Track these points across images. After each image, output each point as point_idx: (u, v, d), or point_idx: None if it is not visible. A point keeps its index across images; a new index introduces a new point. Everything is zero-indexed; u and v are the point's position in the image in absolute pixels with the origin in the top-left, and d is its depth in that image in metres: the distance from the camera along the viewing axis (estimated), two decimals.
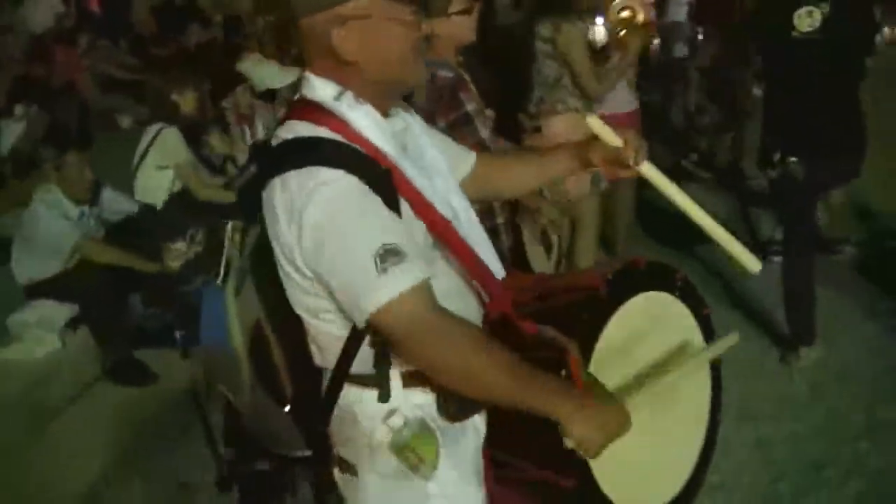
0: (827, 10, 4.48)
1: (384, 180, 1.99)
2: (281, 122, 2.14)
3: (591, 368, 2.18)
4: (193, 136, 6.16)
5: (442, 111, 3.90)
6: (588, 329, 2.22)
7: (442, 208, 2.13)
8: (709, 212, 2.31)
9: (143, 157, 6.08)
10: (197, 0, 12.28)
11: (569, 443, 2.00)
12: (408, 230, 2.02)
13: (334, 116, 2.05)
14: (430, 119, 3.83)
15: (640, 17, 5.41)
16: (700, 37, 8.79)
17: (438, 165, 2.28)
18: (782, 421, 4.61)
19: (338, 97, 2.07)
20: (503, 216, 4.09)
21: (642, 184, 2.64)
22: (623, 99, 6.01)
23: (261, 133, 6.63)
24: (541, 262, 5.19)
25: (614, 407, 2.07)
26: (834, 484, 4.17)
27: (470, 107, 3.95)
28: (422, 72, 2.17)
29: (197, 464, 4.37)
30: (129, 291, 5.75)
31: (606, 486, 2.24)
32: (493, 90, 5.11)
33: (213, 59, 8.26)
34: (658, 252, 6.73)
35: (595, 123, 2.35)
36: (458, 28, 4.04)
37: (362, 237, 1.94)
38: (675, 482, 2.53)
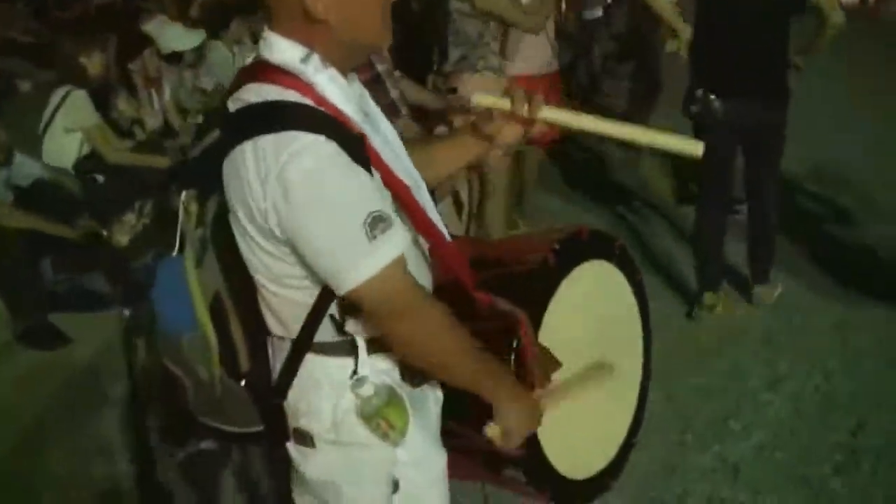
0: None
1: (359, 147, 1.93)
2: (237, 86, 2.02)
3: (541, 336, 2.25)
4: (101, 99, 6.07)
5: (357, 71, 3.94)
6: (539, 298, 2.29)
7: (403, 175, 2.09)
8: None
9: (50, 120, 5.96)
10: None
11: (488, 430, 2.09)
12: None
13: (300, 80, 1.96)
14: None
15: None
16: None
17: (392, 132, 2.24)
18: (690, 375, 4.79)
19: (304, 59, 1.97)
20: None
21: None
22: (543, 60, 6.00)
23: (168, 96, 6.58)
24: (453, 222, 5.27)
25: (534, 403, 2.16)
26: (738, 434, 4.35)
27: (381, 67, 4.01)
28: (388, 35, 2.09)
29: (115, 428, 4.37)
30: (41, 256, 5.66)
31: (552, 454, 2.34)
32: (405, 51, 5.13)
33: (115, 20, 8.10)
34: (567, 208, 6.87)
35: (480, 99, 2.33)
36: None
37: (350, 204, 1.89)
38: (612, 445, 2.66)
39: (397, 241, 1.92)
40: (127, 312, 5.22)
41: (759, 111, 4.94)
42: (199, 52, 6.98)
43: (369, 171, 1.94)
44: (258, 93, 1.96)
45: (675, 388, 4.65)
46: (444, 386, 2.29)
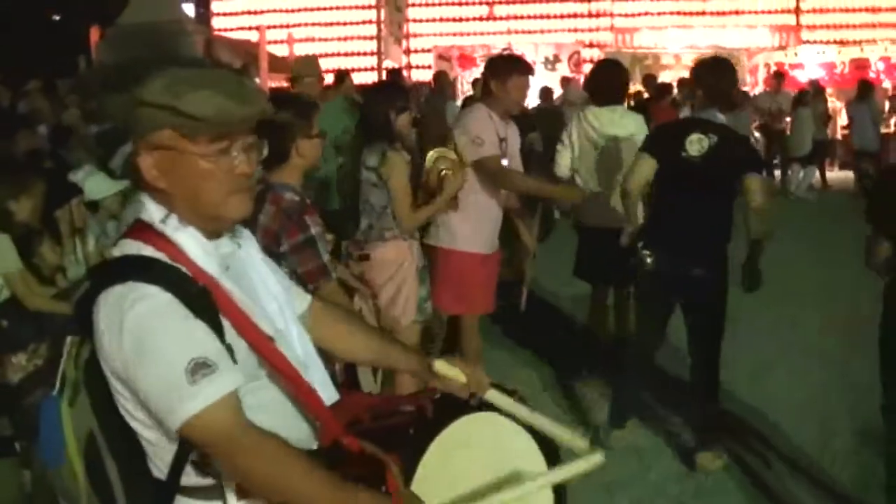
0: (714, 141, 5.20)
1: (202, 298, 2.08)
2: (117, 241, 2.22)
3: (415, 486, 2.31)
4: (25, 244, 6.04)
5: (288, 232, 4.03)
6: (412, 447, 2.37)
7: (265, 325, 2.22)
8: None
9: None
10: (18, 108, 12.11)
11: None
12: (230, 346, 2.10)
13: (161, 237, 2.14)
14: (275, 240, 3.97)
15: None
16: None
17: (270, 287, 2.36)
18: None
19: (164, 220, 2.15)
20: None
21: None
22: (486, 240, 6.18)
23: (91, 245, 6.56)
24: (368, 381, 5.31)
25: None
26: None
27: (315, 230, 4.08)
28: (240, 209, 2.21)
29: None
30: None
31: None
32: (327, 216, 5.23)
33: (41, 167, 8.10)
34: None
35: (440, 367, 2.54)
36: (315, 150, 4.24)
37: (174, 350, 2.01)
38: None
39: (220, 385, 2.03)
40: (18, 446, 5.16)
41: (694, 271, 5.29)
42: (123, 201, 7.02)
43: (215, 321, 2.08)
44: (122, 248, 2.17)
45: None
46: None
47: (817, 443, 5.79)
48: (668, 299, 5.56)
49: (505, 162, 6.11)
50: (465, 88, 19.66)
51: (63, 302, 5.92)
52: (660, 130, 6.02)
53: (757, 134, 18.36)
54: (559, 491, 2.73)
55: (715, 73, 5.51)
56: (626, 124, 6.77)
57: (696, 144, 5.22)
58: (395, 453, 2.30)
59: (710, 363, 5.54)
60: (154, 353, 2.01)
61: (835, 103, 19.64)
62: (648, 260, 5.40)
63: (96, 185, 6.92)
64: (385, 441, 2.32)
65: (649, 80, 17.11)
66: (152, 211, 2.17)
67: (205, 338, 2.06)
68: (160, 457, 2.15)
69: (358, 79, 14.11)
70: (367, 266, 5.56)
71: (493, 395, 2.53)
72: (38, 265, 6.11)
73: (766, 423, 6.14)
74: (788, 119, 18.05)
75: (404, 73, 19.37)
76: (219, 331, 2.09)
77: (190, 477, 2.16)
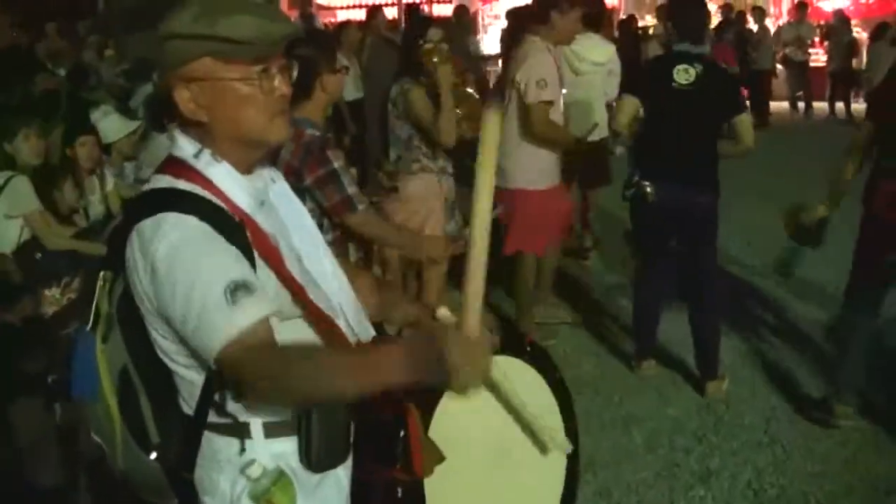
0: (700, 69, 5.42)
1: (236, 231, 2.07)
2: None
3: (432, 431, 2.32)
4: (43, 184, 6.06)
5: (310, 168, 4.01)
6: (429, 394, 2.34)
7: (293, 264, 2.19)
8: None
9: None
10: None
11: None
12: (261, 280, 2.07)
13: (194, 171, 2.12)
14: (297, 175, 3.96)
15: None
16: None
17: (304, 222, 2.36)
18: (624, 472, 4.84)
19: (196, 155, 2.14)
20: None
21: None
22: (546, 174, 6.28)
23: (110, 185, 6.58)
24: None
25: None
26: None
27: (337, 164, 4.07)
28: (282, 132, 2.19)
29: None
30: None
31: None
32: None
33: (59, 107, 8.10)
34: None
35: (443, 314, 2.48)
36: (338, 85, 4.23)
37: (212, 272, 1.99)
38: None
39: (260, 307, 2.00)
40: (50, 379, 5.19)
41: (690, 197, 5.48)
42: (137, 143, 7.04)
43: (249, 255, 2.07)
44: (154, 182, 2.16)
45: (610, 483, 4.71)
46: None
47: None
48: (667, 229, 5.71)
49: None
50: (486, 22, 19.44)
51: (82, 241, 5.97)
52: (644, 69, 6.35)
53: (780, 66, 18.18)
54: (571, 428, 2.74)
55: (684, 8, 5.74)
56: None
57: (683, 74, 5.45)
58: (412, 401, 2.29)
59: (708, 284, 5.71)
60: (191, 276, 1.99)
61: (861, 34, 19.30)
62: (649, 190, 5.52)
63: (110, 126, 6.93)
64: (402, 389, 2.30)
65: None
66: (185, 146, 2.16)
67: (242, 263, 2.04)
68: (190, 393, 2.16)
69: None
70: (395, 198, 5.61)
71: None
72: (57, 205, 6.14)
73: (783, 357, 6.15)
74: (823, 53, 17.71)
75: (425, 7, 19.19)
76: (252, 265, 2.07)
77: (215, 415, 2.16)
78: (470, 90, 5.92)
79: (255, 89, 2.10)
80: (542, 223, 6.32)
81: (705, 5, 5.88)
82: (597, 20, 7.39)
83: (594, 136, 6.53)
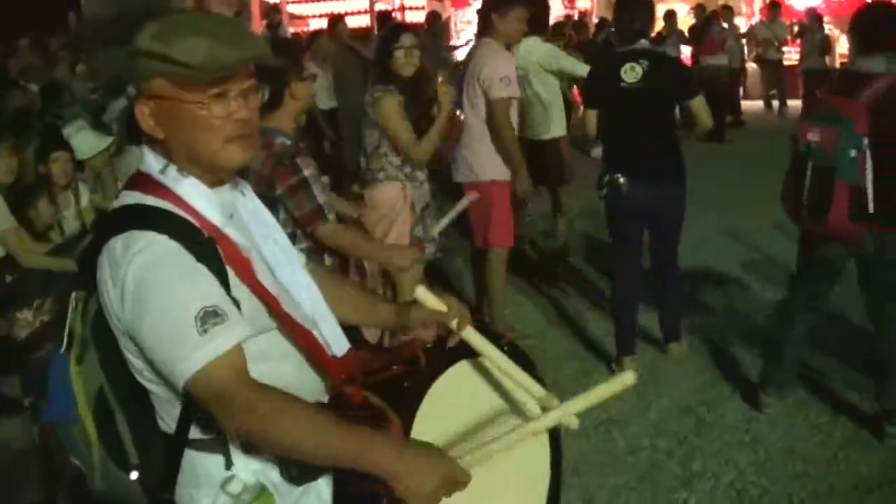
0: (647, 65, 5.64)
1: (206, 247, 2.04)
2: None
3: (414, 433, 2.31)
4: (18, 201, 6.02)
5: (281, 177, 4.03)
6: (410, 397, 2.36)
7: (269, 278, 2.19)
8: None
9: None
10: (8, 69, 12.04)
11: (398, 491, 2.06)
12: (234, 295, 2.06)
13: (162, 186, 2.11)
14: (268, 185, 3.96)
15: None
16: None
17: (276, 236, 2.33)
18: (607, 476, 4.83)
19: (163, 170, 2.12)
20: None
21: None
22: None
23: (85, 200, 6.54)
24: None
25: (442, 457, 2.12)
26: None
27: (307, 172, 4.08)
28: (236, 157, 2.14)
29: None
30: None
31: None
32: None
33: (32, 124, 8.06)
34: None
35: (421, 293, 2.50)
36: (307, 92, 4.24)
37: (183, 299, 1.97)
38: None
39: (231, 335, 1.99)
40: (27, 402, 5.17)
41: (657, 188, 5.71)
42: (109, 160, 7.00)
43: (220, 270, 2.04)
44: (123, 199, 2.15)
45: (593, 488, 4.70)
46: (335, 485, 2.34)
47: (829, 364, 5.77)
48: (639, 222, 5.94)
49: None
50: (458, 28, 19.46)
51: (57, 258, 5.93)
52: (591, 76, 6.50)
53: (754, 65, 18.24)
54: (553, 433, 2.73)
55: (623, 10, 5.94)
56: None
57: (630, 73, 5.67)
58: (391, 408, 2.29)
59: (672, 261, 6.04)
60: (161, 303, 1.97)
61: (833, 32, 19.39)
62: (622, 181, 5.71)
63: (84, 141, 6.89)
64: (383, 392, 2.33)
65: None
66: (151, 162, 2.14)
67: (213, 286, 2.02)
68: (168, 411, 2.13)
69: (351, 23, 14.00)
70: (361, 205, 5.62)
71: (469, 334, 2.46)
72: (32, 221, 6.09)
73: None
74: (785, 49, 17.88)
75: (397, 14, 19.19)
76: (224, 281, 2.05)
77: (196, 431, 2.14)
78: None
79: (208, 113, 2.08)
80: (513, 214, 6.55)
81: (646, 6, 5.98)
82: (542, 23, 7.71)
83: (545, 136, 6.90)
